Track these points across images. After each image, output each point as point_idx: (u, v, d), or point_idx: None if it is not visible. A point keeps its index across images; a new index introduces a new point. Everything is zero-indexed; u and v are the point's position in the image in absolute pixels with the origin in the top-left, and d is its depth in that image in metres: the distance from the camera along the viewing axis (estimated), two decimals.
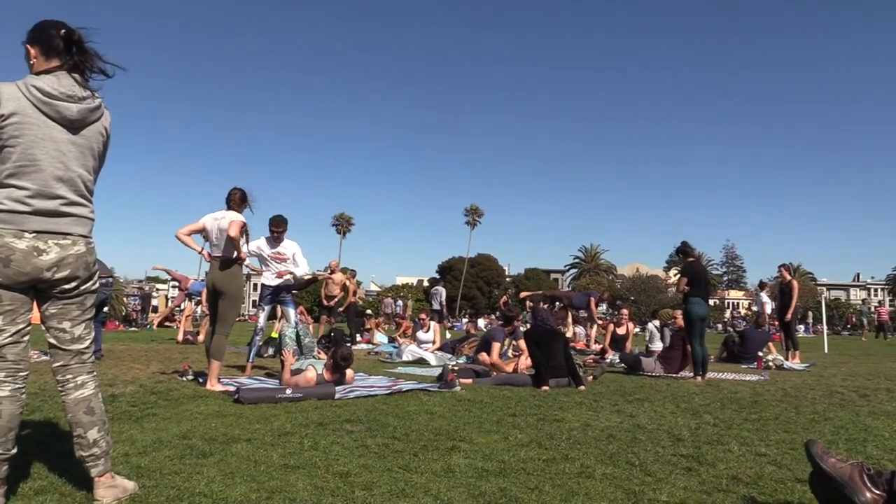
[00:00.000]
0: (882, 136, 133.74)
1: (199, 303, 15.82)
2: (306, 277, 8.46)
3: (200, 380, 6.67)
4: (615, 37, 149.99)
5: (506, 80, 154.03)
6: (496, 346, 8.42)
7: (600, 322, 15.52)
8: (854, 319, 39.60)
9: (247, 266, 7.84)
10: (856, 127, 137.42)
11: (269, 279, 7.97)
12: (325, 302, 14.47)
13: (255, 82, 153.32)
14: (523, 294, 17.65)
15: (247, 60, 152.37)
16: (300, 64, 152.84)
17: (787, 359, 11.21)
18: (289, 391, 5.65)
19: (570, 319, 15.68)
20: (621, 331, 12.78)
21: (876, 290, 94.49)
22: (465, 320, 31.27)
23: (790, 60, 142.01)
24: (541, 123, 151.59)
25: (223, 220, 6.53)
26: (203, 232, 6.71)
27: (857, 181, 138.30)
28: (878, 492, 2.52)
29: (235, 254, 6.46)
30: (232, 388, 6.03)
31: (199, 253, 6.88)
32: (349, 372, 6.71)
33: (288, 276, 7.94)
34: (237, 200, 6.68)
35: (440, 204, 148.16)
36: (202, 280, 13.52)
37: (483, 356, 8.33)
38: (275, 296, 8.06)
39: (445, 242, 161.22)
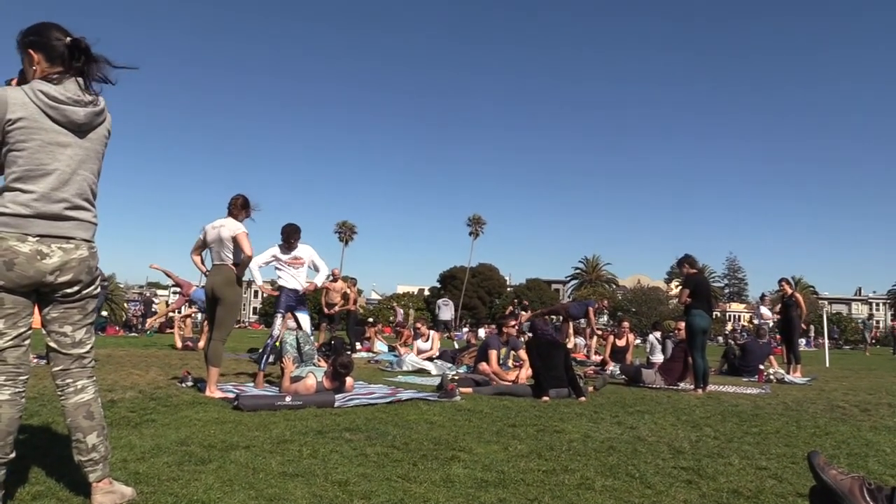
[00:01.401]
0: (885, 150, 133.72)
1: (201, 310, 15.79)
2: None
3: (200, 386, 6.66)
4: (619, 48, 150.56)
5: (510, 90, 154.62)
6: (493, 354, 8.41)
7: (600, 332, 15.49)
8: (877, 333, 39.54)
9: (260, 288, 7.85)
10: (860, 141, 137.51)
11: (289, 282, 7.86)
12: (325, 310, 14.47)
13: (260, 89, 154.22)
14: (524, 318, 17.61)
15: (251, 66, 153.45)
16: (305, 71, 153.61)
17: (788, 372, 11.17)
18: (288, 398, 5.64)
19: (570, 330, 15.66)
20: (622, 342, 12.74)
21: (878, 304, 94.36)
22: (465, 330, 31.22)
23: (794, 73, 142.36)
24: (545, 133, 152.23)
25: (222, 227, 6.54)
26: (205, 242, 6.74)
27: (861, 195, 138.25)
28: None
29: (242, 260, 6.48)
30: (231, 395, 6.02)
31: (204, 274, 6.93)
32: (349, 380, 6.69)
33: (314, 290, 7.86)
34: (238, 206, 6.69)
35: (442, 213, 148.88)
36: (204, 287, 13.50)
37: (483, 366, 8.31)
38: (298, 303, 7.97)
39: (447, 252, 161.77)
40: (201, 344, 12.71)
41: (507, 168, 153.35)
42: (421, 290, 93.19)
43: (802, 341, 24.88)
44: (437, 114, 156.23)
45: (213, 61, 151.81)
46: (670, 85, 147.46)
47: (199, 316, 19.20)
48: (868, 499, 2.55)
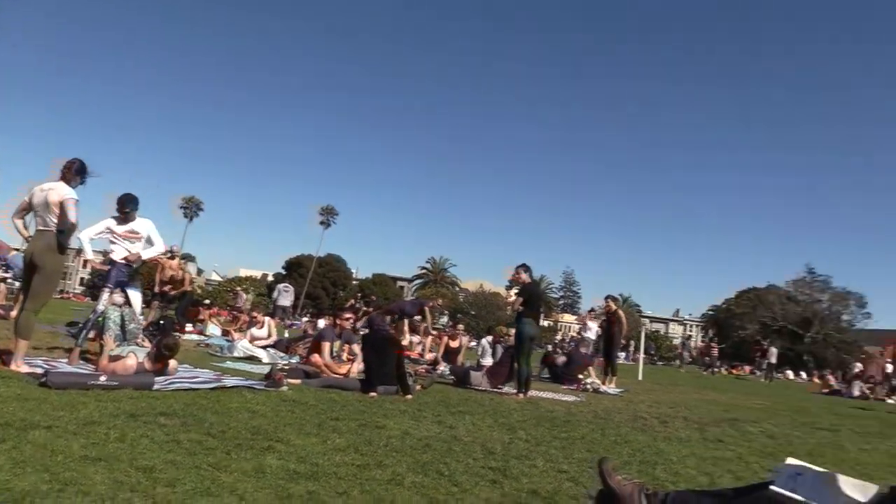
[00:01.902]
0: (707, 184, 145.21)
1: (16, 277, 14.58)
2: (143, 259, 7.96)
3: (5, 358, 6.17)
4: (470, 54, 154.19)
5: (371, 86, 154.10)
6: (326, 346, 8.42)
7: (435, 332, 15.83)
8: (696, 353, 42.62)
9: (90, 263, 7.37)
10: (687, 173, 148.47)
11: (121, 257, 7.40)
12: (157, 287, 13.82)
13: (104, 48, 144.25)
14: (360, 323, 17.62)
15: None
16: (148, 39, 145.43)
17: (603, 383, 11.92)
18: (103, 378, 5.38)
19: (406, 328, 15.89)
20: (455, 343, 13.12)
21: (692, 325, 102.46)
22: (304, 319, 30.77)
23: (621, 110, 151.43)
24: (404, 132, 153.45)
25: (51, 191, 6.10)
26: (31, 205, 6.24)
27: (689, 227, 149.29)
28: None
29: (66, 227, 6.06)
30: (39, 371, 5.64)
31: (25, 239, 6.41)
32: (172, 363, 6.46)
33: (137, 261, 7.41)
34: (72, 171, 6.23)
35: (295, 200, 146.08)
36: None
37: (315, 357, 8.30)
38: (130, 279, 7.52)
39: (295, 239, 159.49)
40: (14, 313, 11.76)
41: (364, 162, 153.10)
42: (265, 276, 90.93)
43: (622, 355, 26.64)
44: (300, 100, 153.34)
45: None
46: (520, 98, 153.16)
47: (17, 283, 17.70)
48: (644, 502, 2.83)
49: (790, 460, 2.86)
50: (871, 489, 2.56)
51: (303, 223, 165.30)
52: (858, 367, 29.18)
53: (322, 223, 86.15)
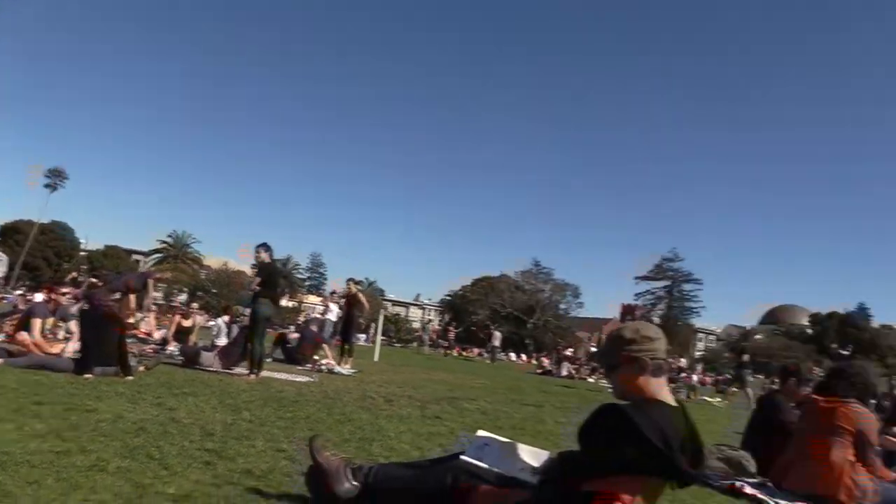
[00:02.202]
0: (452, 177, 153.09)
1: None
2: None
3: None
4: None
5: (112, 41, 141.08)
6: (36, 323, 7.71)
7: (155, 309, 15.07)
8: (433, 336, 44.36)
9: None
10: (431, 165, 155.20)
11: None
12: None
13: None
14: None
15: None
16: None
17: (338, 364, 12.17)
18: None
19: (133, 304, 14.92)
20: (188, 323, 12.63)
21: (430, 310, 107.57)
22: (17, 293, 27.52)
23: (373, 91, 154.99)
24: (145, 94, 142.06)
25: None
26: None
27: (436, 213, 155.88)
28: (355, 483, 2.99)
29: None
30: None
31: None
32: None
33: None
34: None
35: (14, 157, 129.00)
36: None
37: (22, 335, 7.54)
38: None
39: (14, 201, 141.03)
40: None
41: (100, 124, 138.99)
42: None
43: (362, 336, 27.37)
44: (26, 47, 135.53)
45: None
46: (276, 71, 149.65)
47: None
48: (349, 476, 3.02)
49: (480, 432, 3.21)
50: (544, 455, 2.98)
51: (24, 185, 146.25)
52: (570, 351, 32.75)
53: (48, 186, 77.33)
